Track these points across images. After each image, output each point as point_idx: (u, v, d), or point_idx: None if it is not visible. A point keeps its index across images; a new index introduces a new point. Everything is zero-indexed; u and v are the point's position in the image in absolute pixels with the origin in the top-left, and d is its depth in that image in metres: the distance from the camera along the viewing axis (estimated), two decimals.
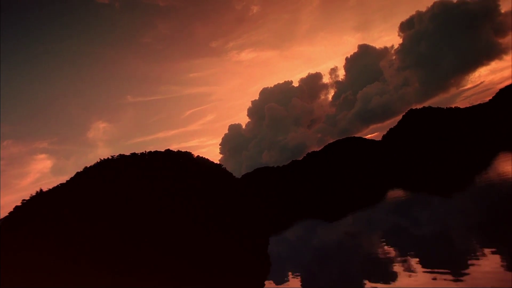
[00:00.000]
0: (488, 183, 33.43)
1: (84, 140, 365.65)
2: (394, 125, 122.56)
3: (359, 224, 35.50)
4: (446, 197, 34.63)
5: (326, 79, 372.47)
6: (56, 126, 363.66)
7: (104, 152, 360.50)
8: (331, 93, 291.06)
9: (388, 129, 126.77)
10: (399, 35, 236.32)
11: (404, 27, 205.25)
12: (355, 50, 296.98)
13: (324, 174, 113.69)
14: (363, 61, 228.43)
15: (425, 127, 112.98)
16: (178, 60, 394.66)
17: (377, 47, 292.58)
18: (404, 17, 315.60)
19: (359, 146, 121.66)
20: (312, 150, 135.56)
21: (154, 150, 69.73)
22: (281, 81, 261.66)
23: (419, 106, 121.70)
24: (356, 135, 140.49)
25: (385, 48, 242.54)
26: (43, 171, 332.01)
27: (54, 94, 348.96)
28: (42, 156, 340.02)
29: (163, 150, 70.72)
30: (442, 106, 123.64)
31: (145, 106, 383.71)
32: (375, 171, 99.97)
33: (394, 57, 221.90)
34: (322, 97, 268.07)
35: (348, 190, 75.52)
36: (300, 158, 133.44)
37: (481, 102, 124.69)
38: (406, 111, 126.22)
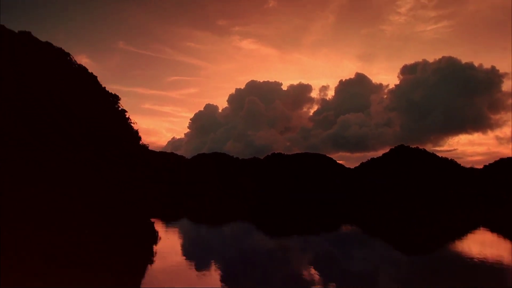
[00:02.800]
0: None
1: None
2: (364, 159, 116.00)
3: (296, 244, 26.63)
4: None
5: (314, 94, 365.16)
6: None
7: None
8: (314, 108, 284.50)
9: (357, 160, 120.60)
10: (398, 76, 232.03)
11: (406, 70, 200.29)
12: (352, 76, 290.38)
13: (283, 179, 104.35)
14: (355, 89, 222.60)
15: (410, 169, 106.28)
16: (180, 24, 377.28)
17: (373, 81, 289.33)
18: (409, 62, 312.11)
19: (327, 165, 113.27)
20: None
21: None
22: (272, 80, 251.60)
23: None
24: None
25: (380, 84, 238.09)
26: None
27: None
28: None
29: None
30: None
31: (134, 57, 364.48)
32: (338, 196, 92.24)
33: (385, 96, 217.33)
34: (305, 109, 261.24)
35: (303, 206, 65.66)
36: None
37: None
38: (396, 146, 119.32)
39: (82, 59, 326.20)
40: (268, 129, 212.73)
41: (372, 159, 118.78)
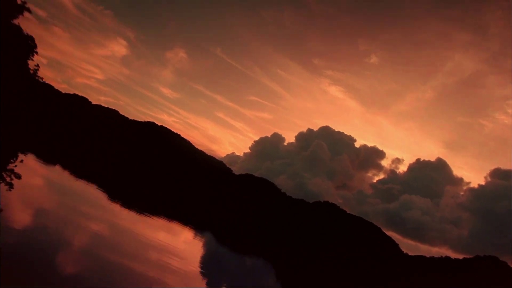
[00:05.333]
0: None
1: (160, 57, 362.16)
2: (416, 249, 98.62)
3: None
4: None
5: (385, 162, 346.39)
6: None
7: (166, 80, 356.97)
8: (380, 176, 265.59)
9: (407, 247, 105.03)
10: (485, 177, 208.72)
11: (497, 174, 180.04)
12: (431, 159, 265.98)
13: (328, 232, 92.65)
14: (431, 174, 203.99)
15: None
16: (277, 50, 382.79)
17: (454, 172, 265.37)
18: (502, 166, 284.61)
19: (381, 240, 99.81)
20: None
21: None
22: (346, 133, 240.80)
23: None
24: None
25: (461, 179, 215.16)
26: None
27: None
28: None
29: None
30: None
31: (225, 65, 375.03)
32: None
33: (463, 193, 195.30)
34: (370, 174, 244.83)
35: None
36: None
37: None
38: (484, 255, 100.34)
39: (179, 53, 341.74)
40: (325, 179, 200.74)
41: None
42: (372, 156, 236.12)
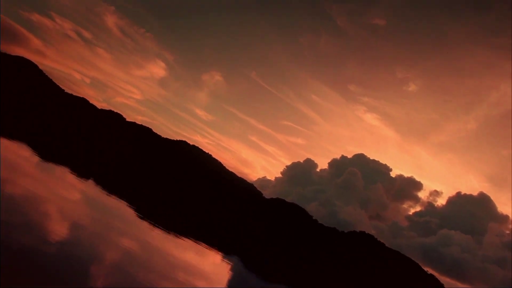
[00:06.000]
0: None
1: (196, 79, 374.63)
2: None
3: None
4: None
5: (422, 194, 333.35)
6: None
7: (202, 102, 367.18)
8: (417, 208, 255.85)
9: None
10: None
11: None
12: (473, 193, 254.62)
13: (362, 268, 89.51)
14: (473, 209, 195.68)
15: None
16: (312, 75, 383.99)
17: (499, 209, 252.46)
18: None
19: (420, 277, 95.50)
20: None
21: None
22: (382, 162, 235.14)
23: None
24: None
25: (506, 216, 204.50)
26: None
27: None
28: None
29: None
30: None
31: (259, 89, 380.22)
32: None
33: (509, 231, 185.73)
34: (405, 205, 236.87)
35: None
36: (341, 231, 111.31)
37: None
38: None
39: (215, 76, 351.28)
40: (358, 208, 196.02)
41: None
42: (409, 187, 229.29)
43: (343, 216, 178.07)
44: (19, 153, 37.13)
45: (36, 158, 38.33)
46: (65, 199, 29.24)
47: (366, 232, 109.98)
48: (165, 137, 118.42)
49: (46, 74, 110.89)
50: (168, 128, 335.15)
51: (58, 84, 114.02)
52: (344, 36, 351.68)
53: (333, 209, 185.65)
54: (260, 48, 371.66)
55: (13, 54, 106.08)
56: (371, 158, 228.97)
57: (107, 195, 41.63)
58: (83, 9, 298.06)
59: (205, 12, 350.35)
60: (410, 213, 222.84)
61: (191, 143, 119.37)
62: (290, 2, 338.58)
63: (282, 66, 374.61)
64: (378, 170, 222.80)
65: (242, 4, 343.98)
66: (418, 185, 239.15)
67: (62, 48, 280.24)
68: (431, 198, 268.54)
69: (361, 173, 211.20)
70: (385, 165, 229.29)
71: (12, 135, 44.14)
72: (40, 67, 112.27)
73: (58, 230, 20.40)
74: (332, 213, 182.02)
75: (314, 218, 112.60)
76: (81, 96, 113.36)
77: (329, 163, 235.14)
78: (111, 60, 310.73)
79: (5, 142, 38.41)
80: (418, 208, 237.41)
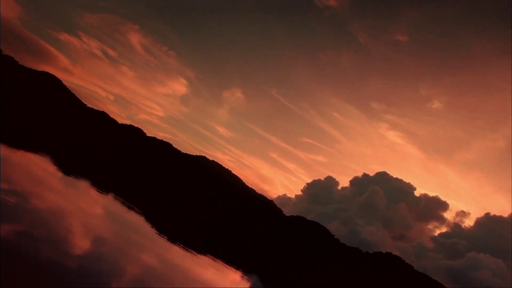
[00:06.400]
0: None
1: (217, 96, 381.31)
2: None
3: None
4: None
5: (448, 215, 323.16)
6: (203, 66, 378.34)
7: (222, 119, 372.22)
8: (443, 229, 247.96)
9: None
10: None
11: None
12: (504, 214, 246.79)
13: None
14: (503, 230, 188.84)
15: None
16: (333, 93, 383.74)
17: None
18: None
19: None
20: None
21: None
22: (406, 181, 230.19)
23: None
24: None
25: None
26: None
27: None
28: None
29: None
30: None
31: (280, 106, 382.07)
32: None
33: None
34: (431, 226, 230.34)
35: None
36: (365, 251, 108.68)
37: None
38: None
39: (236, 93, 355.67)
40: (380, 227, 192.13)
41: None
42: (434, 206, 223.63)
43: (365, 236, 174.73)
44: (42, 166, 37.68)
45: (57, 172, 38.83)
46: (86, 213, 29.38)
47: (392, 253, 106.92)
48: (184, 152, 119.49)
49: (68, 89, 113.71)
50: (189, 144, 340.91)
51: (81, 99, 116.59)
52: (366, 53, 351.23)
53: (355, 228, 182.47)
54: (281, 65, 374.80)
55: (38, 69, 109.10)
56: (394, 176, 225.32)
57: (127, 209, 41.76)
58: (108, 28, 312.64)
59: (226, 30, 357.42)
60: (436, 234, 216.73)
61: (210, 159, 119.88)
62: (311, 20, 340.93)
63: (303, 83, 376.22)
64: (401, 189, 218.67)
65: (263, 22, 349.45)
66: (443, 205, 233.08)
67: (88, 66, 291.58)
68: (457, 219, 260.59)
69: (383, 191, 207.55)
70: (409, 183, 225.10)
71: (35, 148, 44.97)
72: (67, 84, 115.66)
73: (80, 244, 20.57)
74: (353, 232, 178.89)
75: (336, 237, 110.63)
76: (102, 110, 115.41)
77: (350, 181, 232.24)
78: (135, 77, 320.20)
79: (29, 156, 39.17)
80: (444, 229, 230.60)
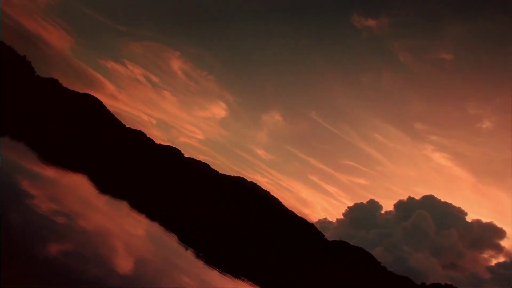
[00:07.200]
0: None
1: (256, 119, 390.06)
2: None
3: None
4: None
5: (506, 243, 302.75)
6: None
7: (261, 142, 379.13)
8: (500, 259, 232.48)
9: None
10: None
11: None
12: None
13: None
14: None
15: None
16: (374, 114, 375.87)
17: None
18: None
19: None
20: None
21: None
22: (455, 205, 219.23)
23: None
24: None
25: None
26: None
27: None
28: None
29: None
30: None
31: (319, 129, 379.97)
32: None
33: None
34: (486, 255, 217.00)
35: None
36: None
37: None
38: None
39: (275, 116, 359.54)
40: (429, 255, 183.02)
41: None
42: (488, 233, 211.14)
43: (412, 264, 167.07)
44: (81, 185, 38.11)
45: (95, 191, 39.12)
46: (126, 233, 29.48)
47: (450, 284, 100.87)
48: (222, 173, 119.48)
49: (108, 109, 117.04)
50: (228, 167, 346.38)
51: (123, 122, 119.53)
52: (408, 72, 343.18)
53: (401, 255, 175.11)
54: (320, 87, 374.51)
55: (80, 91, 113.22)
56: (442, 200, 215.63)
57: (165, 230, 41.42)
58: (151, 55, 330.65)
59: (263, 54, 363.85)
60: (492, 263, 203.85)
61: (248, 180, 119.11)
62: (349, 41, 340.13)
63: (343, 105, 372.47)
64: (451, 214, 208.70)
65: (300, 44, 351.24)
66: (499, 232, 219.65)
67: (132, 92, 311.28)
68: None
69: (431, 216, 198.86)
70: (459, 208, 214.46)
71: (74, 167, 45.72)
72: (112, 110, 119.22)
73: (123, 263, 21.10)
74: (400, 259, 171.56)
75: (382, 264, 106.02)
76: (138, 130, 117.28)
77: (395, 205, 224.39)
78: (176, 102, 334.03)
79: (70, 175, 39.83)
80: (501, 259, 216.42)
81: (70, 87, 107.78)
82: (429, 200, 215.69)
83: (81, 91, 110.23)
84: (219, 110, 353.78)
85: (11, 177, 24.88)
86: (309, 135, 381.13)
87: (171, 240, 38.51)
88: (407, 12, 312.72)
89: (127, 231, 30.24)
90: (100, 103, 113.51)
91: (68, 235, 20.04)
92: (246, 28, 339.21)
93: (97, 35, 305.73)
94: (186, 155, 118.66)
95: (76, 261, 17.03)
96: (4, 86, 62.16)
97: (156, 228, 40.37)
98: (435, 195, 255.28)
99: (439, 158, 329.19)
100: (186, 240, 43.22)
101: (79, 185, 37.90)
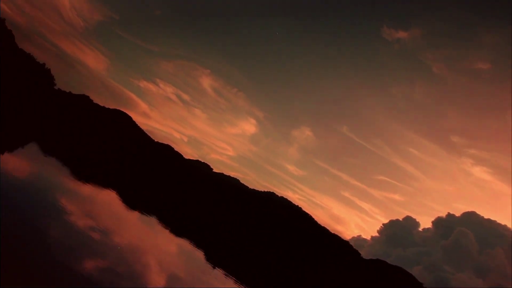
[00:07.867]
0: None
1: (286, 135, 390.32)
2: None
3: None
4: None
5: None
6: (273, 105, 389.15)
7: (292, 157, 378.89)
8: None
9: None
10: None
11: None
12: None
13: None
14: None
15: None
16: (409, 128, 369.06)
17: None
18: None
19: None
20: None
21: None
22: (500, 222, 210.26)
23: None
24: None
25: None
26: None
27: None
28: None
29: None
30: None
31: (352, 144, 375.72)
32: None
33: None
34: None
35: None
36: None
37: None
38: None
39: (305, 131, 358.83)
40: (473, 275, 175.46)
41: None
42: None
43: (455, 284, 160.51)
44: (110, 201, 38.33)
45: (124, 206, 39.24)
46: (157, 248, 29.39)
47: None
48: (252, 188, 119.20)
49: (137, 124, 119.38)
50: (258, 183, 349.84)
51: (154, 138, 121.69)
52: (442, 84, 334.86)
53: (442, 275, 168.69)
54: (351, 101, 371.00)
55: (110, 107, 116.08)
56: (485, 217, 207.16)
57: (194, 247, 40.98)
58: (182, 73, 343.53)
59: (293, 70, 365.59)
60: None
61: (279, 195, 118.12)
62: (380, 53, 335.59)
63: (375, 119, 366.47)
64: (495, 232, 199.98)
65: (330, 58, 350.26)
66: None
67: (164, 110, 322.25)
68: None
69: (473, 234, 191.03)
70: (505, 226, 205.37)
71: (103, 183, 46.17)
72: (144, 128, 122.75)
73: (156, 279, 21.53)
74: (440, 279, 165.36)
75: (424, 286, 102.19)
76: (166, 143, 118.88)
77: (433, 222, 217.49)
78: (207, 119, 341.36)
79: (98, 191, 40.23)
80: None
81: (106, 105, 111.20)
82: (470, 217, 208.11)
83: (111, 107, 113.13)
84: (249, 127, 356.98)
85: (46, 192, 26.09)
86: (341, 150, 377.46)
87: (199, 257, 38.11)
88: (439, 21, 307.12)
89: (158, 247, 30.53)
90: (129, 118, 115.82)
91: (103, 251, 20.54)
92: (275, 46, 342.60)
93: (130, 56, 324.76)
94: (215, 170, 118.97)
95: (110, 277, 17.44)
96: (33, 103, 64.33)
97: (185, 245, 40.07)
98: (477, 211, 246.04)
99: (479, 172, 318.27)
100: (213, 258, 42.67)
101: (110, 200, 38.21)
